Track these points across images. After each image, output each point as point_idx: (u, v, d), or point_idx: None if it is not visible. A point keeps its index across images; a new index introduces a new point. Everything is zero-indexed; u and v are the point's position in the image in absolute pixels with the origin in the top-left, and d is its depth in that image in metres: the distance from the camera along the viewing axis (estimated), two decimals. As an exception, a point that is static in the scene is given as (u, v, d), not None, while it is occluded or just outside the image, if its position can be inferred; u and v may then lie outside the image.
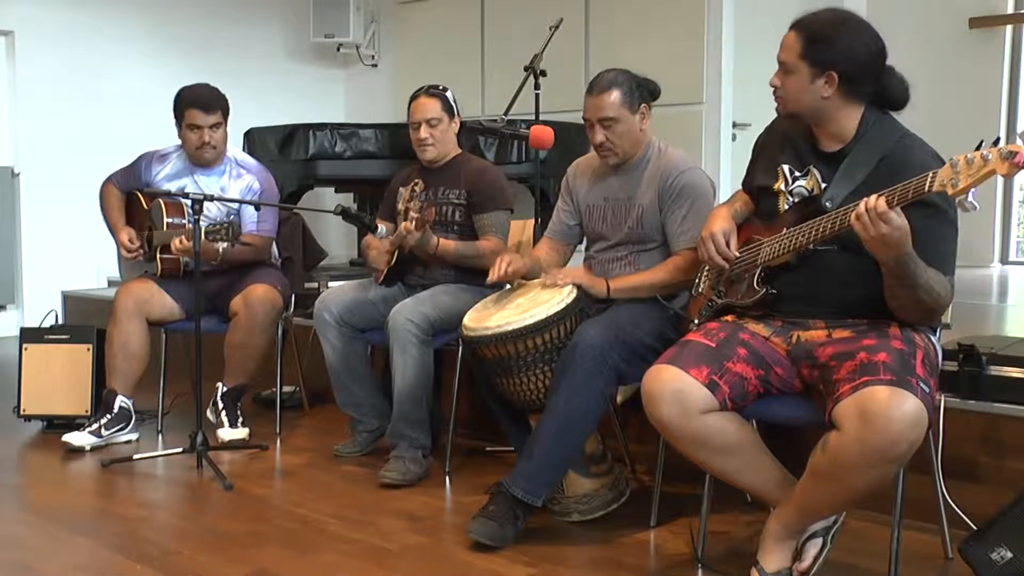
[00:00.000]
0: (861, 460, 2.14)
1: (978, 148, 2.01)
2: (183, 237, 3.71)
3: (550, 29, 4.15)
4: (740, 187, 2.74)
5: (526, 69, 4.10)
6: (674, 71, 5.26)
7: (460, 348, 3.33)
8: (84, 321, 4.76)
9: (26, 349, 4.13)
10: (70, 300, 6.09)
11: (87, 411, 4.03)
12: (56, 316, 4.46)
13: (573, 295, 2.91)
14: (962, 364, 2.79)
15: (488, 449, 3.71)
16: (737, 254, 2.56)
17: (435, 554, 2.77)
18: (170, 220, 3.88)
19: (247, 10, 7.48)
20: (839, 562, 2.53)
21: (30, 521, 3.11)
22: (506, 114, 3.95)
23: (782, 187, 2.51)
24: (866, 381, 2.16)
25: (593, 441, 2.96)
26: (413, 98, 3.65)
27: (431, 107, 3.61)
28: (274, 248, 4.15)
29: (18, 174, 6.49)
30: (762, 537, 2.42)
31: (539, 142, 3.72)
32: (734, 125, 6.10)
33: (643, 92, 3.03)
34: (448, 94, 3.66)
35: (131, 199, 4.10)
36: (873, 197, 2.13)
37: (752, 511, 2.95)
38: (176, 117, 3.96)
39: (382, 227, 3.46)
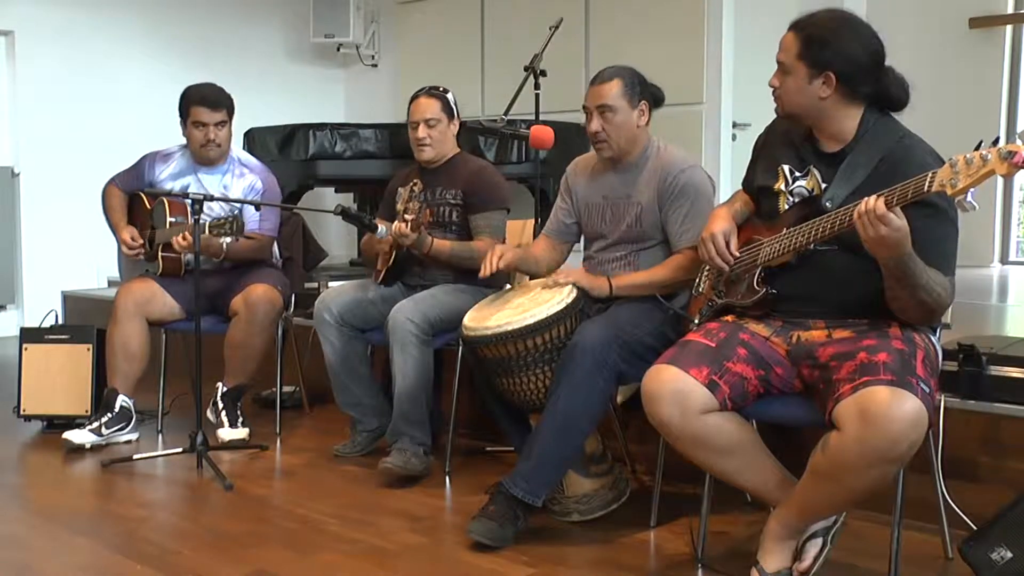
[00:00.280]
0: (861, 460, 2.14)
1: (977, 148, 2.01)
2: (186, 232, 3.71)
3: (550, 29, 4.15)
4: (740, 187, 2.74)
5: (526, 69, 4.11)
6: (674, 71, 5.25)
7: (460, 348, 3.34)
8: (84, 321, 4.76)
9: (26, 349, 4.14)
10: (70, 300, 6.09)
11: (87, 411, 4.03)
12: (56, 316, 4.47)
13: (573, 295, 2.91)
14: (962, 364, 2.79)
15: (488, 449, 3.71)
16: (737, 254, 2.56)
17: (435, 554, 2.77)
18: (173, 219, 3.89)
19: (247, 10, 7.48)
20: (839, 562, 2.52)
21: (30, 521, 3.11)
22: (506, 114, 3.95)
23: (782, 187, 2.51)
24: (866, 381, 2.16)
25: (593, 441, 2.96)
26: (414, 98, 3.66)
27: (430, 107, 3.61)
28: (275, 248, 4.15)
29: (18, 174, 6.49)
30: (762, 537, 2.42)
31: (539, 142, 3.72)
32: (734, 125, 6.09)
33: (645, 91, 3.03)
34: (449, 96, 3.66)
35: (134, 200, 4.11)
36: (872, 198, 2.12)
37: (752, 511, 2.95)
38: (181, 115, 3.97)
39: (382, 227, 3.46)
